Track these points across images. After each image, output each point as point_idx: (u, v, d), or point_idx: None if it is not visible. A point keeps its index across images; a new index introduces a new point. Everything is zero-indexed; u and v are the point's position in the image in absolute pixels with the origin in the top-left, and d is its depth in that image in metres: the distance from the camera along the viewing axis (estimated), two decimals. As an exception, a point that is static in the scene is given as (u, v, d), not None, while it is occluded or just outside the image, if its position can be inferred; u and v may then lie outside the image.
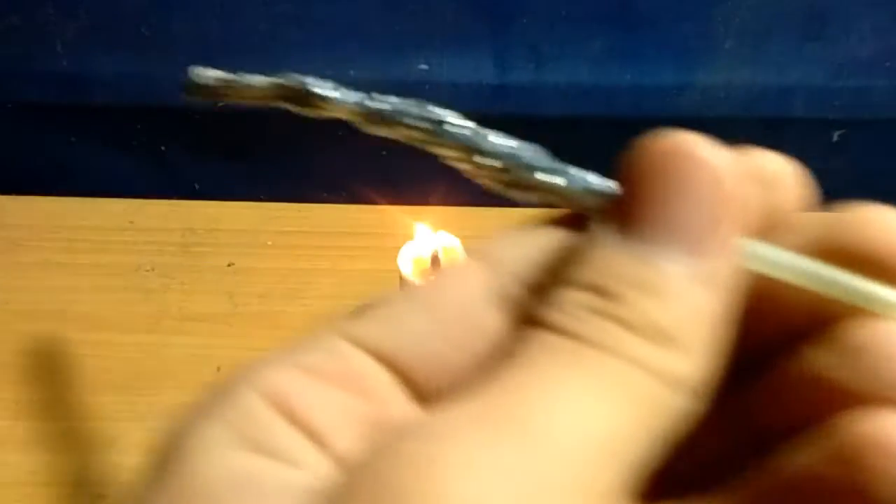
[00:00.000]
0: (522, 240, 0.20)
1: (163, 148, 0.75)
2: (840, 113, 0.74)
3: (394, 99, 0.34)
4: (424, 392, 0.18)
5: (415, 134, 0.31)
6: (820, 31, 0.69)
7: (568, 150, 0.76)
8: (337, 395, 0.17)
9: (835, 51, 0.70)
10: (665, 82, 0.71)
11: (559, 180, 0.22)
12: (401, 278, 0.63)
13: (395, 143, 0.68)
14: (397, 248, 0.63)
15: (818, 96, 0.73)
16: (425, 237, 0.63)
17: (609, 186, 0.21)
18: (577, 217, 0.20)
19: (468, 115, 0.70)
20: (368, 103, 0.32)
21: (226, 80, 0.40)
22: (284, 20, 0.67)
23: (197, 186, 0.78)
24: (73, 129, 0.73)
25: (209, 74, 0.41)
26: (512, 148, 0.24)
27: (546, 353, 0.17)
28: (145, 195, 0.78)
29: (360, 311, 0.19)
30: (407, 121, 0.31)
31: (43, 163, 0.76)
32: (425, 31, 0.68)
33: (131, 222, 0.76)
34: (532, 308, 0.18)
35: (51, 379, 0.63)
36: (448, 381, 0.18)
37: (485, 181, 0.25)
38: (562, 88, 0.71)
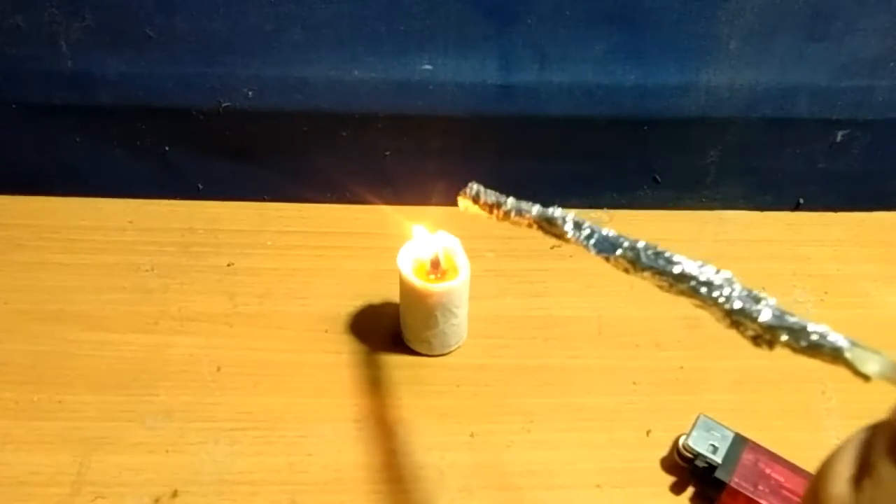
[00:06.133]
0: None
1: (166, 148, 0.75)
2: (843, 113, 0.73)
3: (640, 244, 0.39)
4: None
5: (661, 283, 0.37)
6: (823, 32, 0.69)
7: (572, 149, 0.76)
8: None
9: (838, 51, 0.70)
10: (669, 82, 0.71)
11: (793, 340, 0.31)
12: (401, 278, 0.63)
13: (397, 145, 0.66)
14: (397, 248, 0.63)
15: (821, 96, 0.72)
16: (425, 237, 0.63)
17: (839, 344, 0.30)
18: None
19: (471, 116, 0.70)
20: (618, 253, 0.39)
21: (499, 201, 0.48)
22: (289, 21, 0.67)
23: (200, 186, 0.78)
24: (77, 130, 0.73)
25: (488, 192, 0.49)
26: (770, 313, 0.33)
27: None
28: (148, 195, 0.78)
29: None
30: (646, 267, 0.37)
31: (47, 163, 0.76)
32: (429, 32, 0.68)
33: (131, 222, 0.76)
34: None
35: (51, 379, 0.63)
36: None
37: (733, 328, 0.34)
38: (566, 89, 0.71)
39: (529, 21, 0.67)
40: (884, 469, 0.27)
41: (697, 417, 0.58)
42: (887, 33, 0.69)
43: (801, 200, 0.80)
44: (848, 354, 0.29)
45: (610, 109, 0.72)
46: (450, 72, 0.70)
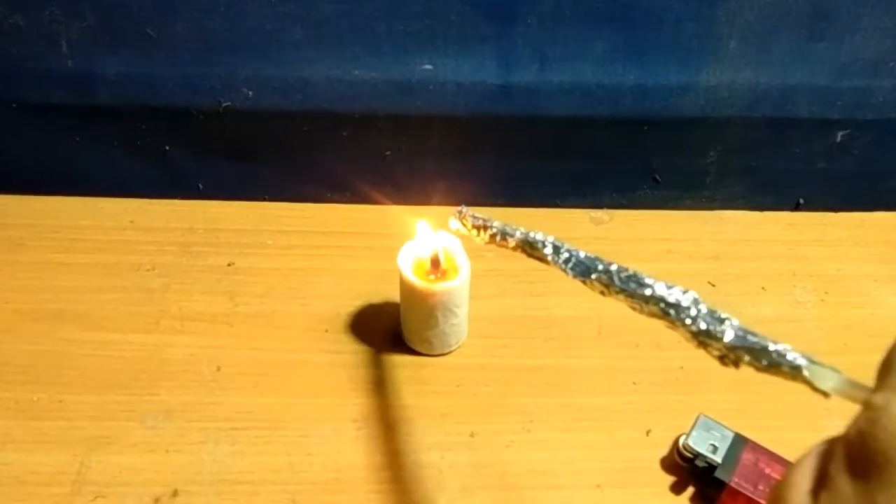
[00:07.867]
0: None
1: (167, 148, 0.75)
2: (843, 113, 0.73)
3: (613, 267, 0.40)
4: None
5: (633, 305, 0.38)
6: (823, 32, 0.68)
7: (571, 149, 0.76)
8: None
9: (838, 51, 0.70)
10: (669, 82, 0.71)
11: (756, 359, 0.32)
12: (401, 278, 0.63)
13: (397, 146, 0.66)
14: (397, 248, 0.63)
15: (821, 96, 0.72)
16: (425, 237, 0.63)
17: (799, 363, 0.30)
18: None
19: (471, 116, 0.70)
20: (594, 276, 0.41)
21: (486, 224, 0.50)
22: (289, 20, 0.67)
23: (200, 186, 0.78)
24: (78, 130, 0.73)
25: (477, 216, 0.51)
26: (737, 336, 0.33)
27: None
28: (149, 195, 0.78)
29: None
30: (619, 290, 0.37)
31: (47, 163, 0.76)
32: (429, 31, 0.68)
33: (131, 222, 0.76)
34: None
35: (51, 379, 0.63)
36: None
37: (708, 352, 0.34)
38: (565, 88, 0.71)
39: (529, 21, 0.67)
40: (841, 482, 0.27)
41: (697, 417, 0.58)
42: (887, 33, 0.69)
43: (801, 200, 0.80)
44: (806, 372, 0.30)
45: (610, 109, 0.72)
46: (450, 72, 0.70)
